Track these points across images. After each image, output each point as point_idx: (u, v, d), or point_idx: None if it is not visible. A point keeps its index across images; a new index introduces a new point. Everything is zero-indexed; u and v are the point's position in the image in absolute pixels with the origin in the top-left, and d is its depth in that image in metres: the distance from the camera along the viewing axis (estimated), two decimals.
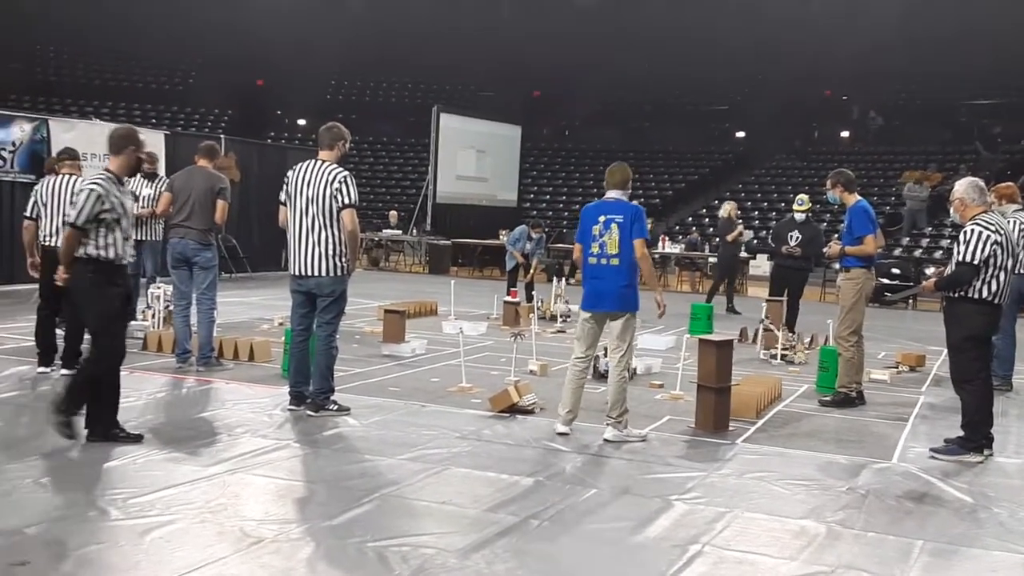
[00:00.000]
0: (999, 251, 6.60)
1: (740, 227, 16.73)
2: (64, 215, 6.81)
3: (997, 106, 32.80)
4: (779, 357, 10.60)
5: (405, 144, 37.33)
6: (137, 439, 6.14)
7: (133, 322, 10.66)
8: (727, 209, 16.65)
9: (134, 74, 40.58)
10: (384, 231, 25.23)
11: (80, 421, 6.07)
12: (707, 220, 29.55)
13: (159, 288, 10.19)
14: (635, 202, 7.25)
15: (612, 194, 6.96)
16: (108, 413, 6.15)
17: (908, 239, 25.86)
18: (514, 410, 7.41)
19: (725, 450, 6.72)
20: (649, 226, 23.82)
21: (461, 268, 23.54)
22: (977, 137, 30.90)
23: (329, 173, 7.01)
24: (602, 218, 6.83)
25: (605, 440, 6.73)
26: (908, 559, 4.72)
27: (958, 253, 6.69)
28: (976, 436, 6.73)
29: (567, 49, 38.24)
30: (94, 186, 6.08)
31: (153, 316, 10.19)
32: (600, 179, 7.20)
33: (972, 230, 6.66)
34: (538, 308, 13.27)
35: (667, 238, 23.88)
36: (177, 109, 38.19)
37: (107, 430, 6.11)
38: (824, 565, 4.58)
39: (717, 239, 18.38)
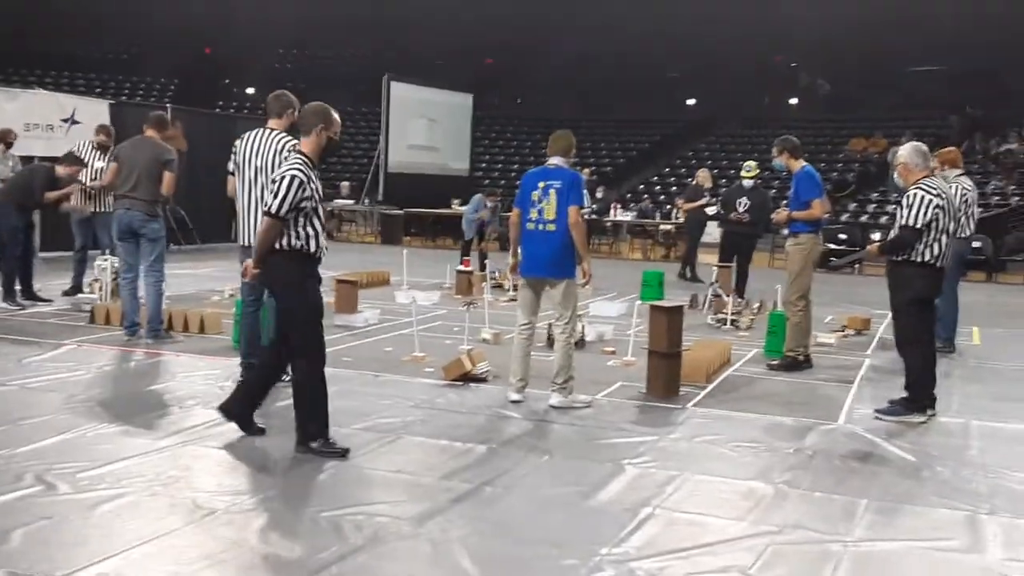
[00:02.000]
0: (941, 215, 6.72)
1: (704, 200, 16.31)
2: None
3: (940, 72, 33.23)
4: (727, 322, 10.73)
5: (356, 113, 36.96)
6: (261, 431, 5.77)
7: (80, 294, 10.59)
8: (700, 176, 16.63)
9: (78, 43, 39.68)
10: (336, 201, 25.05)
11: (303, 431, 5.55)
12: (658, 188, 29.73)
13: (106, 260, 10.07)
14: (584, 171, 7.31)
15: (554, 161, 6.98)
16: (246, 401, 5.78)
17: (854, 204, 26.21)
18: (467, 378, 7.44)
19: (676, 414, 6.81)
20: (600, 194, 23.87)
21: (414, 238, 23.46)
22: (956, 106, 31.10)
23: (278, 142, 6.95)
24: (541, 184, 6.86)
25: (551, 406, 6.78)
26: (853, 518, 4.83)
27: (901, 217, 6.80)
28: (919, 397, 6.88)
29: (519, 18, 38.04)
30: (296, 172, 5.44)
31: (100, 289, 10.08)
32: None
33: (915, 194, 6.77)
34: (493, 278, 13.30)
35: (619, 206, 23.98)
36: (123, 78, 37.50)
37: (243, 416, 5.76)
38: (772, 525, 4.68)
39: (680, 204, 18.36)
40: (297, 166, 5.49)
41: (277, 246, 5.47)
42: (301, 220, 5.47)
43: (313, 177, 5.55)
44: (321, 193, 5.64)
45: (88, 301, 10.07)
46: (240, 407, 5.78)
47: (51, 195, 10.35)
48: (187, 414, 6.30)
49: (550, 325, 8.76)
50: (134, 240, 8.62)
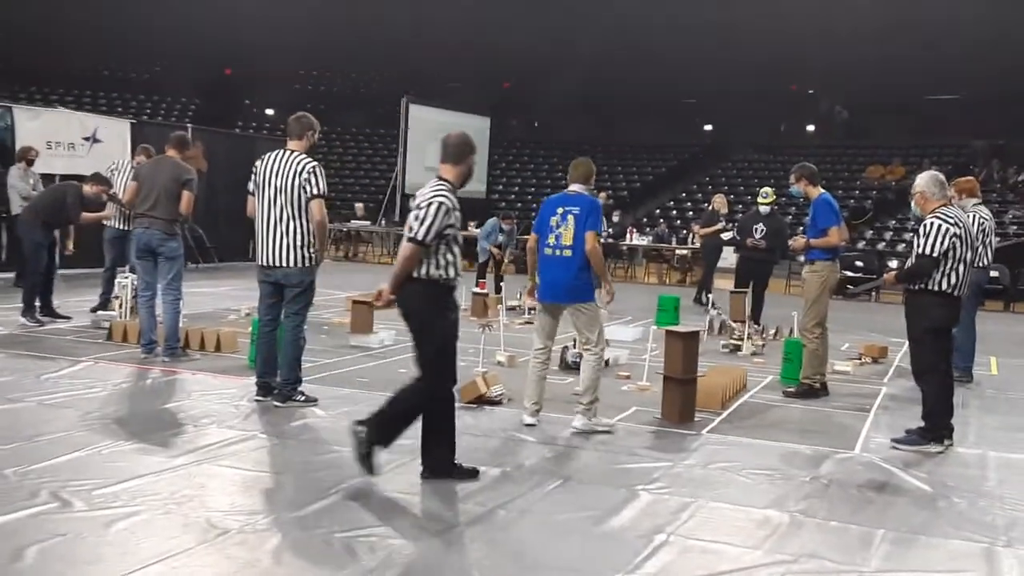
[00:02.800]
0: (958, 244, 6.70)
1: (720, 225, 16.26)
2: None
3: (958, 101, 33.21)
4: (739, 348, 10.69)
5: (374, 135, 37.22)
6: (473, 474, 5.53)
7: (101, 312, 10.67)
8: (716, 202, 16.64)
9: (100, 62, 40.12)
10: (352, 222, 25.16)
11: (379, 455, 5.44)
12: (675, 212, 29.74)
13: (127, 278, 10.14)
14: (601, 195, 7.35)
15: (574, 187, 7.01)
16: (443, 449, 5.53)
17: (871, 232, 26.14)
18: (482, 401, 7.44)
19: (691, 440, 6.78)
20: (617, 218, 23.87)
21: None
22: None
23: (298, 163, 6.99)
24: (560, 210, 6.89)
25: (574, 428, 6.77)
26: (869, 548, 4.79)
27: (918, 246, 6.78)
28: (937, 427, 6.83)
29: (538, 41, 38.19)
30: (443, 199, 5.37)
31: (120, 306, 10.15)
32: (568, 171, 7.25)
33: (932, 223, 6.75)
34: (519, 300, 13.28)
35: (635, 230, 23.99)
36: (144, 98, 37.85)
37: (441, 466, 5.49)
38: (787, 554, 4.64)
39: (697, 229, 18.34)
40: (444, 193, 5.42)
41: (415, 274, 5.38)
42: (442, 248, 5.42)
43: (457, 205, 5.49)
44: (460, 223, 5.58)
45: (107, 318, 10.14)
46: (439, 458, 5.50)
47: (89, 216, 10.61)
48: (201, 432, 6.31)
49: (564, 349, 8.82)
50: (152, 258, 8.68)
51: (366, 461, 5.34)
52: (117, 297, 10.32)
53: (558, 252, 6.85)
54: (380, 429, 5.39)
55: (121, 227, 10.97)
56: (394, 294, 5.47)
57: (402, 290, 5.44)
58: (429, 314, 5.44)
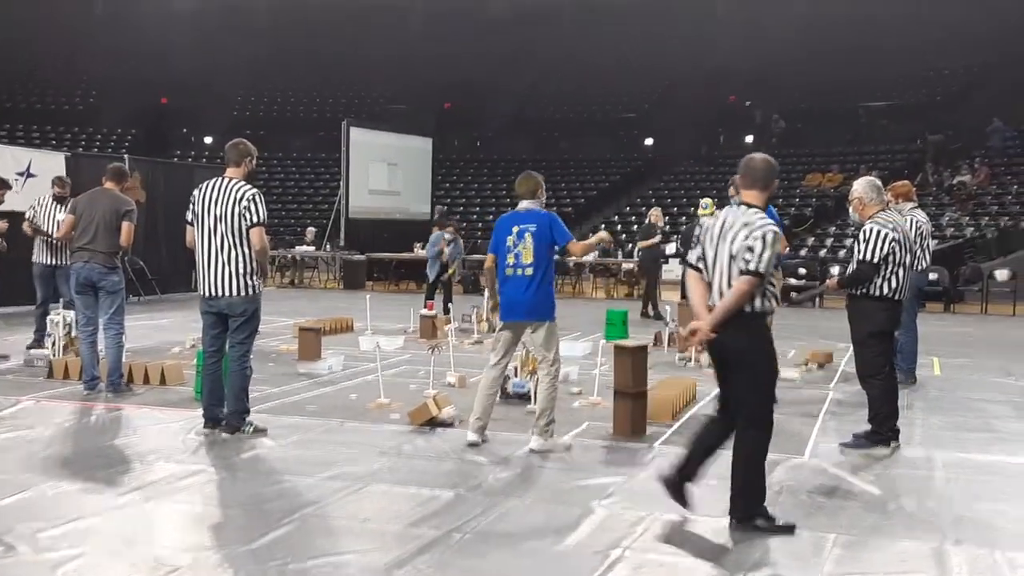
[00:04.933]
0: (897, 248, 6.82)
1: (658, 237, 16.61)
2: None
3: (893, 107, 33.93)
4: (691, 360, 10.76)
5: (316, 159, 36.98)
6: (790, 529, 5.13)
7: (35, 350, 10.40)
8: (652, 215, 16.85)
9: (32, 95, 39.45)
10: (298, 247, 24.96)
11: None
12: (619, 227, 29.95)
13: (58, 315, 9.88)
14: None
15: (524, 204, 7.00)
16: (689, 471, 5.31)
17: (813, 239, 26.55)
18: (433, 423, 7.40)
19: (643, 454, 6.81)
20: None
21: (377, 283, 23.40)
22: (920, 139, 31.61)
23: (237, 191, 6.92)
24: (515, 228, 6.87)
25: (531, 450, 6.75)
26: (821, 552, 4.85)
27: (858, 252, 6.90)
28: (883, 429, 6.93)
29: (477, 61, 38.42)
30: (776, 228, 5.12)
31: (53, 344, 9.84)
32: (512, 189, 7.25)
33: (871, 229, 6.87)
34: (470, 320, 13.25)
35: None
36: (79, 130, 37.23)
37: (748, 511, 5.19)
38: (742, 563, 4.67)
39: (636, 240, 18.58)
40: (771, 223, 5.14)
41: (747, 308, 5.07)
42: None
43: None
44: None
45: (40, 357, 9.89)
46: (681, 478, 5.32)
47: None
48: (148, 468, 6.20)
49: (506, 379, 8.58)
50: (93, 293, 8.53)
51: (779, 531, 5.11)
52: (50, 335, 10.06)
53: (519, 271, 6.84)
54: (748, 501, 5.16)
55: (49, 261, 10.77)
56: (717, 331, 5.08)
57: (725, 326, 5.07)
58: (759, 349, 5.15)
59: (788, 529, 5.12)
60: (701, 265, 5.29)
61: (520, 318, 6.90)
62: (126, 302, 8.90)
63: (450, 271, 15.24)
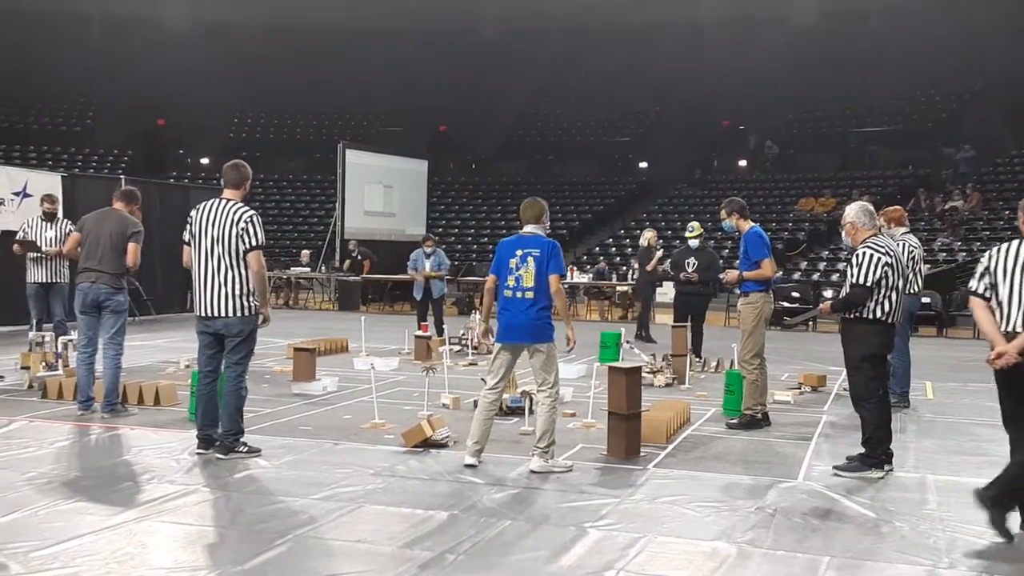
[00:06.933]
0: (890, 272, 6.87)
1: (659, 255, 16.64)
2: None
3: (885, 133, 34.15)
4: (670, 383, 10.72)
5: (311, 181, 37.10)
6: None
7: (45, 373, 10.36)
8: (647, 237, 16.85)
9: (29, 115, 39.55)
10: (292, 269, 24.98)
11: (1014, 518, 5.40)
12: (613, 249, 30.03)
13: (69, 338, 9.87)
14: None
15: (529, 228, 7.07)
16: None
17: (806, 263, 26.64)
18: (428, 444, 7.40)
19: (637, 475, 6.81)
20: None
21: (371, 304, 23.40)
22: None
23: (235, 212, 6.94)
24: (519, 252, 6.93)
25: (531, 471, 6.75)
26: (815, 575, 4.85)
27: (851, 276, 6.94)
28: (876, 452, 6.94)
29: (472, 84, 38.62)
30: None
31: (66, 365, 9.83)
32: (507, 211, 7.34)
33: (864, 253, 6.92)
34: (462, 341, 13.25)
35: (575, 268, 24.16)
36: (75, 150, 37.32)
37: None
38: None
39: (636, 267, 18.57)
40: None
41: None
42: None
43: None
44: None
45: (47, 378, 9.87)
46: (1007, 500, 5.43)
47: None
48: (142, 488, 6.19)
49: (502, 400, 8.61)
50: (97, 313, 8.50)
51: (1002, 526, 5.34)
52: (60, 357, 10.05)
53: (519, 294, 6.89)
54: (1003, 493, 5.41)
55: (41, 280, 10.77)
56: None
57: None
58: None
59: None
60: (989, 294, 5.56)
61: (518, 340, 6.93)
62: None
63: (434, 275, 15.09)
